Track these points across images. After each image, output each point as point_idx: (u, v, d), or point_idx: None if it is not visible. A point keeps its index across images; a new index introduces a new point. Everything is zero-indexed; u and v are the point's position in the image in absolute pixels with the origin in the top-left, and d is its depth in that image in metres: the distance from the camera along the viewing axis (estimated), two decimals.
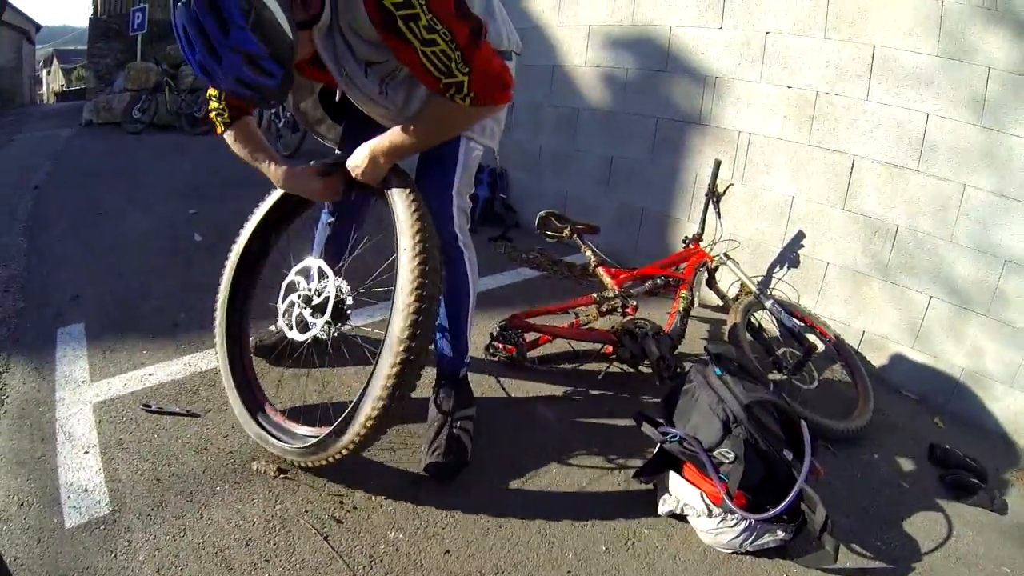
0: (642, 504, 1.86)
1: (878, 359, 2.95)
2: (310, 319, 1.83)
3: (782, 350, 2.62)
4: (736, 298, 2.91)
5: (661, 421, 1.88)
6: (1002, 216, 2.49)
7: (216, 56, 1.34)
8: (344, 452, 1.63)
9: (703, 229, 3.12)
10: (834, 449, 2.27)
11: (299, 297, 1.88)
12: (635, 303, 2.65)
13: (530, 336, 2.50)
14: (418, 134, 1.65)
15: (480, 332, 2.47)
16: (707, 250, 3.04)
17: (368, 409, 1.57)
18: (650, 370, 2.44)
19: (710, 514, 1.70)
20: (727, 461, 1.67)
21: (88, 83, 13.35)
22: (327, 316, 1.80)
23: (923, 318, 2.77)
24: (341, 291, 1.83)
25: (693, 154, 3.48)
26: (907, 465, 2.32)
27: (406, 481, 1.83)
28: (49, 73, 28.64)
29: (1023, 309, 2.47)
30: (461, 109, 1.55)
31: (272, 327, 2.30)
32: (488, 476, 1.90)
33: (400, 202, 1.68)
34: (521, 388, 2.39)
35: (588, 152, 4.05)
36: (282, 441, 1.78)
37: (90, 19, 12.71)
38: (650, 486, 1.90)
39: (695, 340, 2.96)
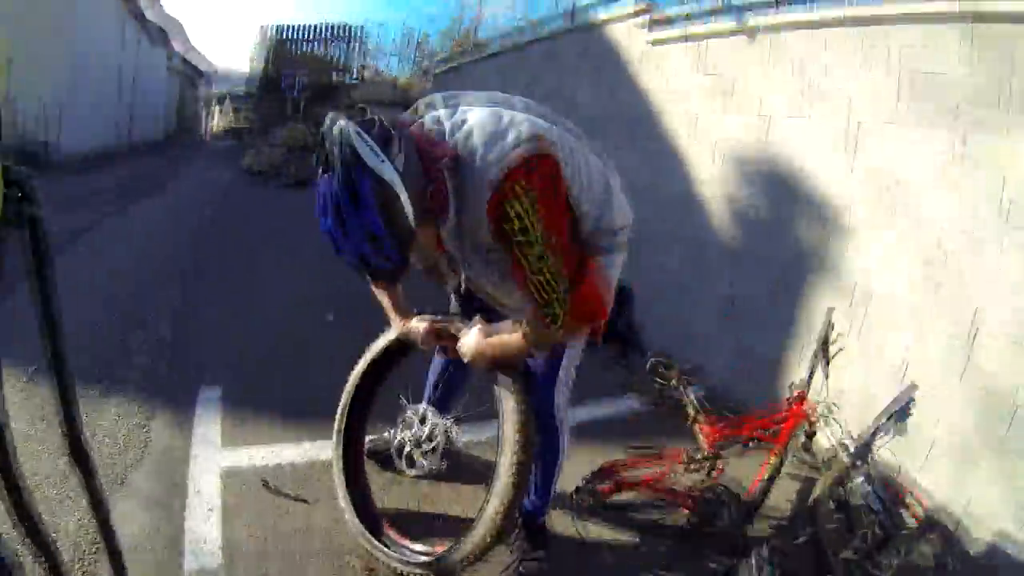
0: None
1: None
2: (420, 459, 2.14)
3: (864, 531, 2.28)
4: (829, 463, 2.64)
5: None
6: None
7: (344, 228, 1.40)
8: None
9: (809, 386, 2.81)
10: None
11: (411, 438, 2.18)
12: (723, 465, 2.57)
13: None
14: (519, 346, 1.74)
15: (572, 464, 2.33)
16: (811, 408, 2.74)
17: (470, 548, 1.79)
18: None
19: None
20: None
21: (250, 129, 15.72)
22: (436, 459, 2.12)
23: None
24: (450, 435, 2.10)
25: (813, 302, 3.25)
26: None
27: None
28: (221, 111, 32.16)
29: None
30: (553, 331, 1.64)
31: (386, 434, 2.45)
32: None
33: (506, 392, 1.83)
34: (596, 531, 2.37)
35: (715, 287, 3.94)
36: (389, 550, 1.98)
37: (256, 75, 15.12)
38: None
39: (782, 501, 2.73)
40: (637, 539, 2.39)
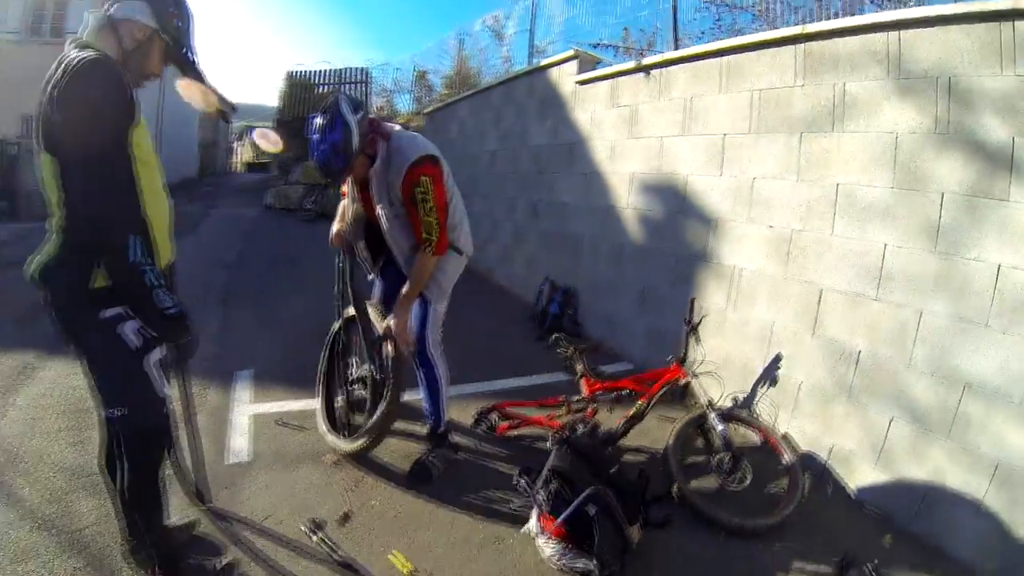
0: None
1: (845, 474, 2.84)
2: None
3: (719, 456, 2.80)
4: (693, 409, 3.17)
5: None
6: (959, 340, 2.42)
7: (321, 139, 2.42)
8: (364, 445, 2.83)
9: (686, 352, 3.23)
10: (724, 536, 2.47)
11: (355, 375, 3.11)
12: (595, 407, 3.15)
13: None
14: (412, 283, 2.62)
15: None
16: (681, 370, 3.19)
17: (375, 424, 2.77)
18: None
19: (541, 533, 2.30)
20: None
21: (271, 170, 16.19)
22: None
23: (885, 438, 2.66)
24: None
25: (701, 285, 3.74)
26: (799, 564, 2.36)
27: (395, 478, 2.81)
28: (242, 145, 32.86)
29: (985, 431, 2.33)
30: (427, 257, 2.56)
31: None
32: (438, 488, 2.75)
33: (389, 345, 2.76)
34: (491, 449, 3.16)
35: (631, 281, 4.45)
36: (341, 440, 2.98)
37: (275, 118, 15.66)
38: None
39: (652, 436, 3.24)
40: (514, 452, 3.11)
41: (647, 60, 4.14)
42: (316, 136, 2.44)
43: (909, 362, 2.61)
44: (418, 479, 2.79)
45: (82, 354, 1.84)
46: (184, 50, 1.95)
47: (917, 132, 2.60)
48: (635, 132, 4.37)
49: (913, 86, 2.61)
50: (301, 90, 14.98)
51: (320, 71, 15.24)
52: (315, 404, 3.23)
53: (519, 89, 6.27)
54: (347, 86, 14.67)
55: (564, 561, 2.22)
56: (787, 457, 2.83)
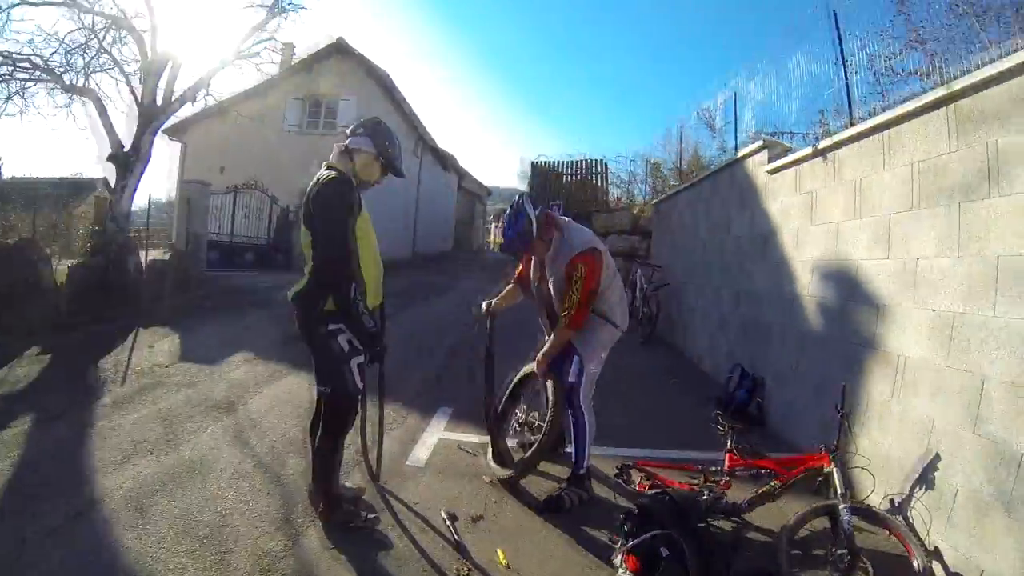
0: None
1: None
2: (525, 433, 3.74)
3: (836, 551, 2.47)
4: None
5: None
6: None
7: (507, 227, 3.17)
8: (512, 474, 3.34)
9: (838, 442, 2.90)
10: None
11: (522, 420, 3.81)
12: (729, 480, 3.08)
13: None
14: (560, 335, 3.14)
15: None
16: (825, 458, 2.88)
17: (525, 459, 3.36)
18: None
19: (620, 566, 2.44)
20: None
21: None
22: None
23: None
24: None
25: (868, 374, 3.30)
26: None
27: (532, 504, 3.20)
28: (497, 226, 35.69)
29: None
30: (563, 326, 3.10)
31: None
32: (564, 519, 3.05)
33: (550, 389, 3.26)
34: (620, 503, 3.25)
35: (809, 370, 4.06)
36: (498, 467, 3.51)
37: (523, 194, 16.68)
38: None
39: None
40: None
41: (821, 144, 3.96)
42: (506, 224, 3.19)
43: None
44: (549, 507, 3.12)
45: (311, 350, 2.75)
46: (395, 165, 2.91)
47: None
48: (815, 218, 4.12)
49: None
50: (544, 178, 15.92)
51: (562, 161, 16.00)
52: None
53: (722, 180, 6.29)
54: (585, 176, 15.35)
55: None
56: (919, 565, 2.36)
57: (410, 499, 3.17)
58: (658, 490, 2.76)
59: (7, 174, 22.65)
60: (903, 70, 3.48)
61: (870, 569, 2.43)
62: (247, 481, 3.25)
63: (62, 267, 7.70)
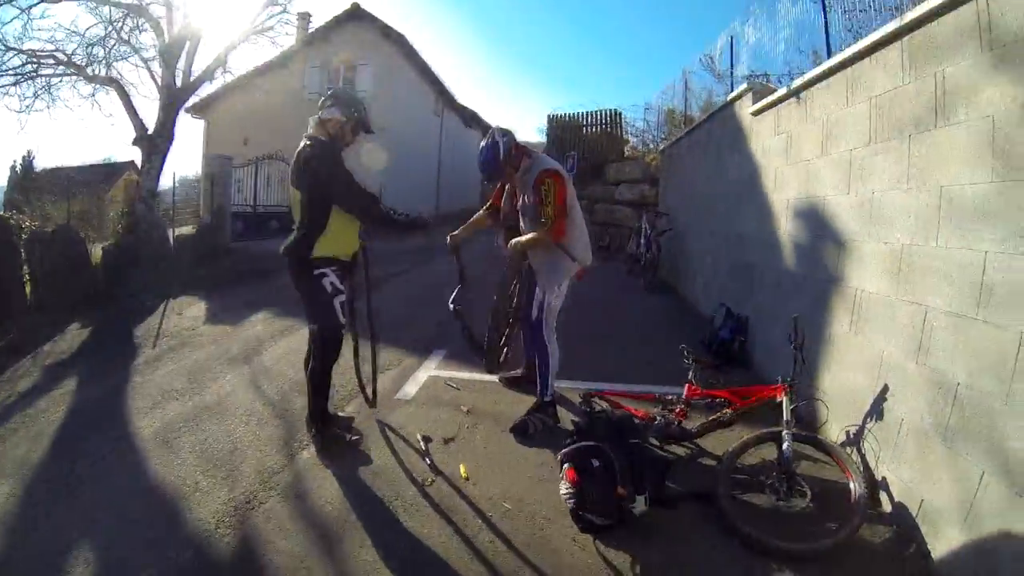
0: None
1: (930, 533, 2.22)
2: None
3: (773, 473, 2.55)
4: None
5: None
6: None
7: (484, 153, 3.35)
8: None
9: (794, 374, 2.92)
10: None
11: None
12: (684, 408, 3.14)
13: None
14: (534, 238, 3.20)
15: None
16: (786, 390, 2.86)
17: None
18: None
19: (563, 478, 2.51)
20: None
21: None
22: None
23: (974, 497, 2.02)
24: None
25: (833, 310, 3.25)
26: None
27: (502, 427, 3.41)
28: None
29: None
30: (543, 231, 3.16)
31: None
32: (529, 441, 3.27)
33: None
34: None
35: (784, 309, 3.98)
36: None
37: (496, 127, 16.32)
38: None
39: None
40: None
41: (794, 84, 3.80)
42: (481, 152, 3.38)
43: (1007, 399, 1.96)
44: (516, 431, 3.33)
45: (301, 294, 3.08)
46: (364, 126, 3.20)
47: (1012, 109, 2.00)
48: (791, 158, 3.99)
49: (1006, 54, 2.04)
50: (561, 131, 15.62)
51: (578, 113, 15.62)
52: (478, 376, 4.13)
53: (716, 125, 6.10)
54: (602, 127, 14.99)
55: (568, 499, 2.44)
56: (856, 492, 2.40)
57: (394, 424, 3.47)
58: (599, 411, 2.85)
59: (40, 165, 23.38)
60: (874, 7, 3.29)
61: (808, 493, 2.47)
62: (256, 417, 3.60)
63: (97, 248, 7.99)
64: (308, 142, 2.98)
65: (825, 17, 3.64)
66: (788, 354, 3.77)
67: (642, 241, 8.82)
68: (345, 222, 3.03)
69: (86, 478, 2.89)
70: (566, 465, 2.52)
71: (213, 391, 4.03)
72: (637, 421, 3.08)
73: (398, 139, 17.08)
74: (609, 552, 2.31)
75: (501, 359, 3.73)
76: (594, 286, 8.29)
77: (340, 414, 3.45)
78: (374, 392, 3.54)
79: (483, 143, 3.40)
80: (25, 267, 6.58)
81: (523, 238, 3.24)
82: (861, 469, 2.55)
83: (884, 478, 2.58)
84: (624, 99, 29.57)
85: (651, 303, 7.32)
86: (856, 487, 2.41)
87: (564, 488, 2.48)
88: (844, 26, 3.52)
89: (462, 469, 2.94)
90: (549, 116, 16.04)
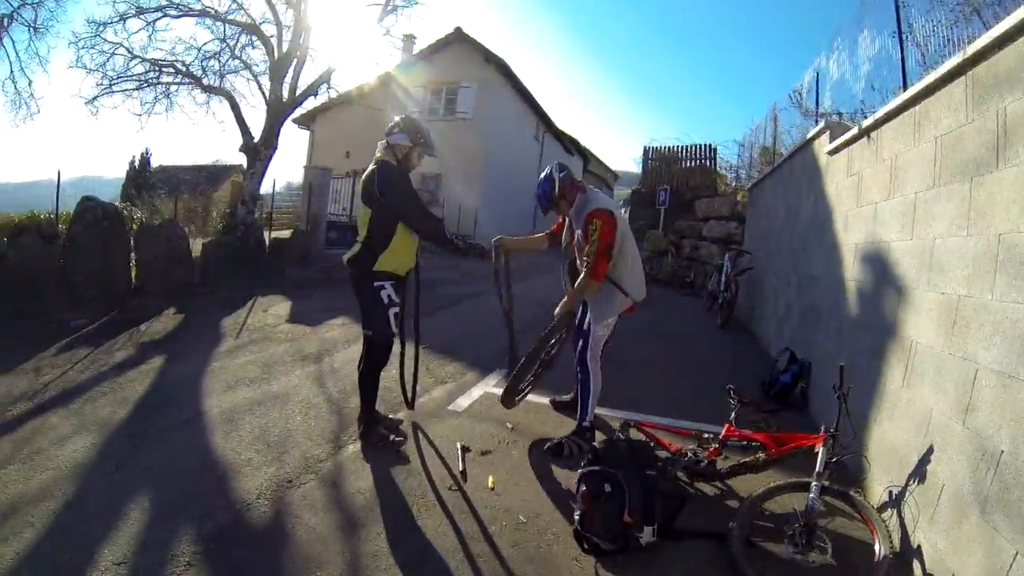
0: None
1: None
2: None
3: (794, 524, 2.35)
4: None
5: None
6: None
7: (540, 185, 3.43)
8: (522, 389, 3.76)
9: (838, 423, 2.71)
10: None
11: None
12: (716, 446, 3.01)
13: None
14: (580, 285, 3.24)
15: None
16: (826, 441, 2.66)
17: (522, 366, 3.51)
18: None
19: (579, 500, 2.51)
20: None
21: None
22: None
23: None
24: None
25: (887, 360, 2.97)
26: None
27: (539, 447, 3.43)
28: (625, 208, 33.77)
29: None
30: (586, 277, 3.19)
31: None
32: (563, 462, 3.24)
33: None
34: None
35: (845, 356, 3.67)
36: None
37: (632, 190, 15.81)
38: None
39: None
40: None
41: (865, 123, 3.56)
42: (539, 183, 3.47)
43: None
44: (551, 451, 3.33)
45: (361, 301, 3.28)
46: (428, 150, 3.37)
47: None
48: (860, 200, 3.71)
49: None
50: (656, 162, 15.37)
51: (672, 146, 15.37)
52: (531, 397, 4.13)
53: (796, 164, 5.79)
54: (696, 161, 14.59)
55: (577, 522, 2.46)
56: (879, 554, 2.18)
57: (439, 433, 3.57)
58: (622, 439, 2.78)
59: (155, 163, 24.80)
60: (952, 41, 3.04)
61: (829, 549, 2.27)
62: (315, 410, 3.84)
63: (198, 243, 8.76)
64: (376, 164, 3.20)
65: (902, 52, 3.40)
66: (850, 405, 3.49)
67: (722, 279, 8.50)
68: (406, 242, 3.25)
69: (156, 441, 3.26)
70: (582, 487, 2.50)
71: (281, 383, 4.34)
72: (666, 454, 2.99)
73: (497, 161, 17.50)
74: (606, 575, 2.25)
75: (518, 399, 3.73)
76: (670, 320, 8.09)
77: (391, 416, 3.63)
78: (413, 395, 3.71)
79: (542, 175, 3.48)
80: (133, 254, 7.36)
81: (568, 298, 3.34)
82: (889, 531, 2.30)
83: (919, 545, 2.30)
84: (723, 134, 28.70)
85: (722, 341, 6.99)
86: (881, 549, 2.19)
87: (576, 511, 2.45)
88: (917, 61, 3.26)
89: (490, 480, 3.00)
90: (645, 148, 15.95)
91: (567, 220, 3.59)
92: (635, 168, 17.94)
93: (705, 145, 14.70)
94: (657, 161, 15.47)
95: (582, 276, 3.24)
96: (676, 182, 14.12)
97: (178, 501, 2.63)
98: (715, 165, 14.46)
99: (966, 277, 2.33)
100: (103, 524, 2.42)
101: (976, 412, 2.14)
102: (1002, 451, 1.94)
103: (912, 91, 2.89)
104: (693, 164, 14.74)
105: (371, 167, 3.22)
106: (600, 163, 29.87)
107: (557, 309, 3.37)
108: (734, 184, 13.61)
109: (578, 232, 3.37)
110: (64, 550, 2.24)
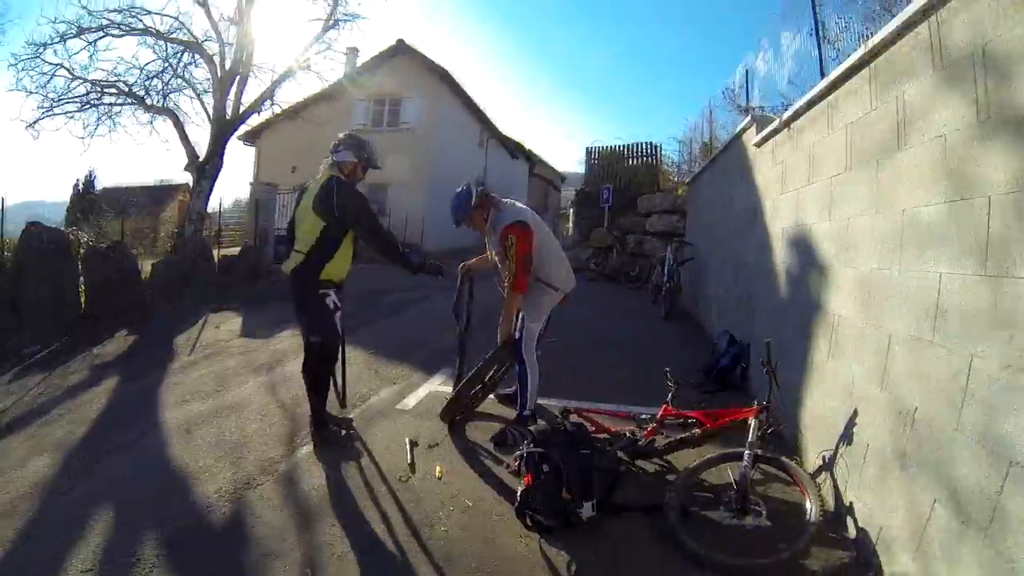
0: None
1: (886, 562, 2.07)
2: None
3: (728, 492, 2.49)
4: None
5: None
6: (1007, 396, 1.62)
7: (455, 201, 3.38)
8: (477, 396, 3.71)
9: (770, 397, 2.86)
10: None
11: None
12: (654, 426, 3.11)
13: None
14: (508, 302, 3.31)
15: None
16: (759, 413, 2.80)
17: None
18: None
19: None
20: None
21: (572, 236, 16.81)
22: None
23: (925, 526, 1.89)
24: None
25: (814, 337, 3.11)
26: None
27: (484, 438, 3.45)
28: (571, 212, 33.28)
29: None
30: (510, 292, 3.26)
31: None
32: (506, 450, 3.22)
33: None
34: None
35: (776, 338, 3.83)
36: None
37: (576, 190, 16.01)
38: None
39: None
40: None
41: (785, 115, 3.74)
42: (453, 199, 3.43)
43: (957, 424, 1.83)
44: (496, 441, 3.36)
45: (303, 311, 3.31)
46: (373, 165, 3.46)
47: (961, 128, 1.92)
48: (785, 188, 3.88)
49: (954, 72, 1.96)
50: (599, 162, 15.39)
51: (615, 146, 15.39)
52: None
53: (729, 157, 6.01)
54: (640, 159, 14.73)
55: (519, 500, 2.50)
56: (809, 512, 2.30)
57: (388, 430, 3.60)
58: (558, 423, 2.84)
59: (101, 184, 23.70)
60: (864, 36, 3.23)
61: (763, 512, 2.38)
62: (269, 417, 3.83)
63: (147, 264, 8.47)
64: (330, 181, 3.24)
65: (819, 48, 3.59)
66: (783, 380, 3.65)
67: (665, 270, 8.71)
68: (348, 253, 3.34)
69: (114, 456, 3.24)
70: (523, 468, 2.53)
71: (235, 393, 4.27)
72: (603, 436, 3.06)
73: (442, 171, 17.35)
74: (550, 550, 2.32)
75: (456, 416, 3.70)
76: (615, 313, 8.24)
77: (340, 416, 3.60)
78: (344, 389, 3.64)
79: (459, 188, 3.46)
80: (82, 278, 7.09)
81: (503, 318, 3.36)
82: (821, 493, 2.44)
83: (851, 503, 2.43)
84: (667, 132, 29.25)
85: (666, 330, 7.17)
86: (811, 508, 2.31)
87: (519, 491, 2.48)
88: (832, 58, 3.45)
89: (438, 469, 3.04)
90: (588, 149, 15.86)
91: (485, 234, 3.58)
92: (581, 169, 18.10)
93: (647, 143, 14.88)
94: (600, 160, 15.61)
95: (507, 292, 3.30)
96: (620, 180, 14.31)
97: (140, 508, 2.64)
98: (659, 162, 14.74)
99: (877, 252, 2.48)
100: (68, 536, 2.42)
101: (891, 376, 2.27)
102: (915, 408, 2.08)
103: (824, 83, 3.06)
104: (637, 162, 14.94)
105: (322, 181, 3.27)
106: (546, 166, 29.86)
107: (498, 336, 3.40)
108: (677, 180, 13.95)
109: (495, 247, 3.44)
110: (32, 564, 2.24)
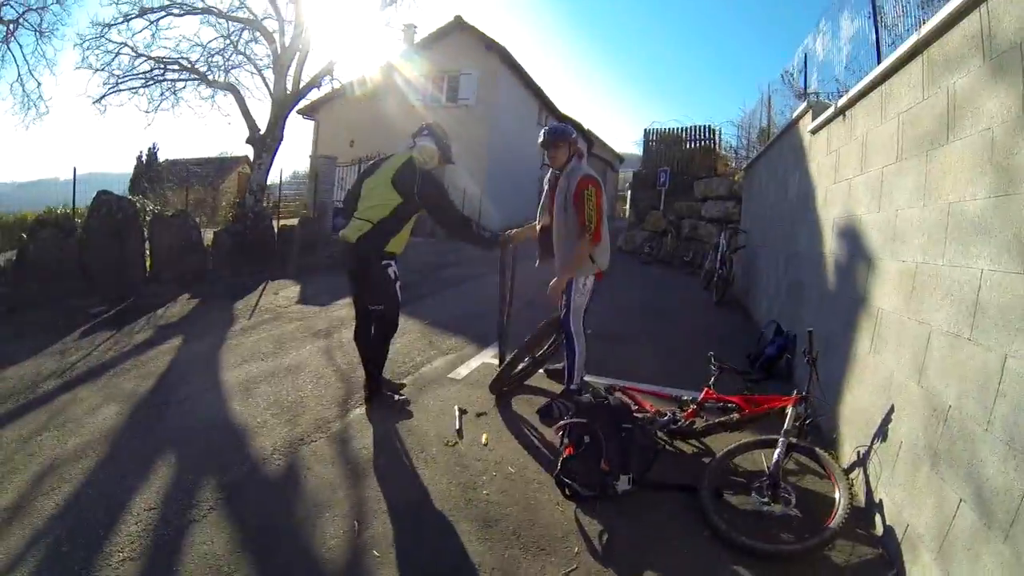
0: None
1: (910, 560, 2.06)
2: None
3: (761, 479, 2.51)
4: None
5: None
6: None
7: (560, 126, 3.57)
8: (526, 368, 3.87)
9: (810, 387, 2.83)
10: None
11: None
12: (694, 408, 3.16)
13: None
14: (568, 260, 3.40)
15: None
16: (797, 403, 2.81)
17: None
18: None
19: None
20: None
21: (629, 217, 16.55)
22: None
23: (950, 526, 1.87)
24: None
25: (858, 329, 3.05)
26: None
27: (531, 407, 3.60)
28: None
29: None
30: (585, 240, 3.30)
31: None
32: (553, 422, 3.16)
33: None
34: None
35: (822, 328, 3.71)
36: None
37: (634, 173, 15.68)
38: None
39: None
40: None
41: (840, 103, 3.63)
42: (557, 124, 3.63)
43: (988, 424, 1.80)
44: (541, 412, 3.46)
45: (366, 279, 3.43)
46: (448, 159, 3.61)
47: (1007, 120, 1.85)
48: (837, 177, 3.76)
49: (1002, 63, 1.89)
50: (657, 144, 15.10)
51: (674, 128, 15.05)
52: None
53: (785, 143, 5.81)
54: (698, 143, 14.29)
55: (559, 469, 2.62)
56: (838, 505, 2.31)
57: (439, 398, 3.76)
58: (593, 397, 2.92)
59: (162, 157, 24.69)
60: (921, 21, 3.09)
61: (792, 500, 2.40)
62: (325, 379, 4.05)
63: (209, 232, 8.89)
64: (415, 164, 3.42)
65: (877, 33, 3.44)
66: (820, 370, 3.61)
67: (718, 257, 8.56)
68: (409, 229, 3.50)
69: (178, 408, 3.50)
70: (564, 438, 2.66)
71: (292, 356, 4.55)
72: (645, 413, 3.14)
73: (499, 148, 17.40)
74: (584, 519, 2.43)
75: (505, 388, 3.83)
76: (667, 297, 8.19)
77: (395, 382, 3.83)
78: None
79: (552, 125, 3.60)
80: (147, 244, 7.58)
81: (565, 264, 3.43)
82: (851, 486, 2.43)
83: (881, 500, 2.41)
84: (723, 114, 28.05)
85: (716, 317, 7.09)
86: (841, 500, 2.32)
87: (562, 460, 2.61)
88: (886, 42, 3.32)
89: (484, 437, 3.18)
90: (646, 130, 15.60)
91: (549, 184, 3.67)
92: (639, 151, 17.73)
93: (705, 127, 14.44)
94: (658, 143, 15.26)
95: (582, 239, 3.33)
96: (677, 164, 14.00)
97: (200, 457, 2.86)
98: (717, 146, 14.29)
99: (922, 245, 2.41)
100: (133, 478, 2.64)
101: (928, 371, 2.23)
102: (949, 406, 2.03)
103: (877, 70, 2.96)
104: (694, 146, 14.55)
105: (403, 159, 3.46)
106: (605, 146, 29.43)
107: (552, 282, 3.47)
108: (734, 165, 13.51)
109: (565, 191, 3.44)
110: (98, 501, 2.46)
